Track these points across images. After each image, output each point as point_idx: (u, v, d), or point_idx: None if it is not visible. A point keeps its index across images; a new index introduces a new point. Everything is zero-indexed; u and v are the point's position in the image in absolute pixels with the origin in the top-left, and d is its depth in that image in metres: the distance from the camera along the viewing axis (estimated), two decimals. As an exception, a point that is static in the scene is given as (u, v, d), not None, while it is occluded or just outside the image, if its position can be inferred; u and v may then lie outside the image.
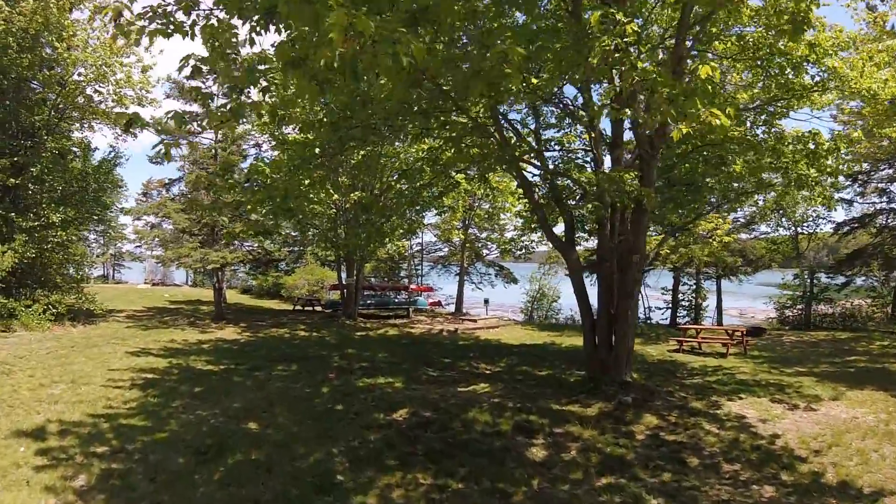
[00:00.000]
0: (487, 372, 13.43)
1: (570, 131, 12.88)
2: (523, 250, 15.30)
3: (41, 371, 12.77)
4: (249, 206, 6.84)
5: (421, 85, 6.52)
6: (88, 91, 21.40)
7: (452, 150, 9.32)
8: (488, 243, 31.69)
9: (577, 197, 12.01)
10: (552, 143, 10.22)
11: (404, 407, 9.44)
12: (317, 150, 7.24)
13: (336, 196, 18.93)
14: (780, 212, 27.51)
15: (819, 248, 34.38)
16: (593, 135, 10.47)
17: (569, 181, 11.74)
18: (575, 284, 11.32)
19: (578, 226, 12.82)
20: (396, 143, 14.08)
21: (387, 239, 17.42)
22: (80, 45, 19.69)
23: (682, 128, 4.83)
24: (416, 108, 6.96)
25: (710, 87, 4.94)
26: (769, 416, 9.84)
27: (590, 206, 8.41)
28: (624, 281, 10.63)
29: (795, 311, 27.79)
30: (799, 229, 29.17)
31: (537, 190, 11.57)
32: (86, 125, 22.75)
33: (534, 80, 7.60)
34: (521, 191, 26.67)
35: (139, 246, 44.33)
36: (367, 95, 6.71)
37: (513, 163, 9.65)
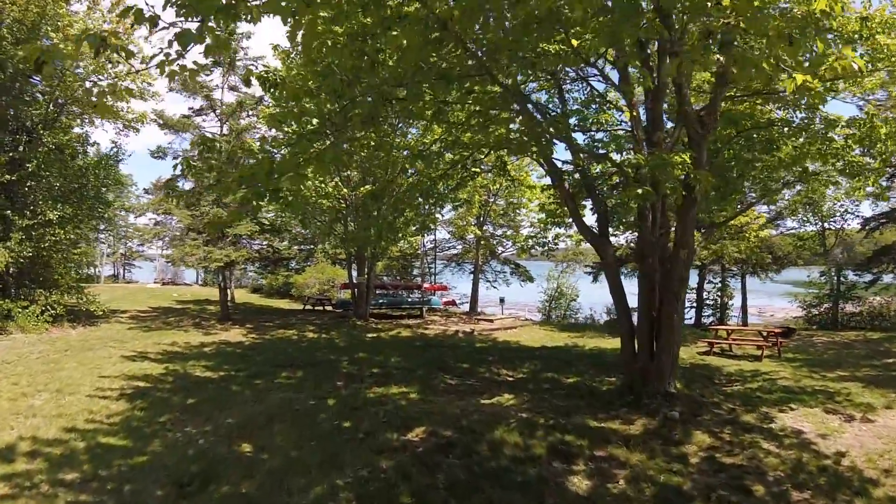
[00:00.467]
0: (510, 379, 12.17)
1: (600, 113, 11.52)
2: (545, 247, 14.08)
3: (27, 378, 11.72)
4: (225, 188, 5.54)
5: (442, 44, 5.27)
6: (87, 84, 20.40)
7: (477, 125, 8.04)
8: (504, 240, 30.38)
9: (613, 185, 10.70)
10: (589, 123, 8.88)
11: (421, 424, 8.18)
12: (314, 121, 6.04)
13: (345, 190, 17.78)
14: (810, 206, 26.08)
15: (846, 245, 32.73)
16: (634, 113, 9.14)
17: (604, 166, 10.43)
18: (611, 283, 10.02)
19: (614, 218, 11.47)
20: (411, 130, 12.93)
21: (399, 234, 16.20)
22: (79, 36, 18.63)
23: (799, 77, 3.51)
24: (434, 73, 5.72)
25: (832, 22, 3.62)
26: (827, 430, 8.74)
27: (639, 191, 7.05)
28: (669, 279, 9.32)
29: (821, 309, 26.26)
30: (825, 224, 27.62)
31: (567, 178, 10.26)
32: (86, 120, 21.73)
33: (574, 42, 6.30)
34: (540, 184, 25.51)
35: (141, 245, 43.44)
36: (376, 56, 5.51)
37: (546, 144, 8.36)
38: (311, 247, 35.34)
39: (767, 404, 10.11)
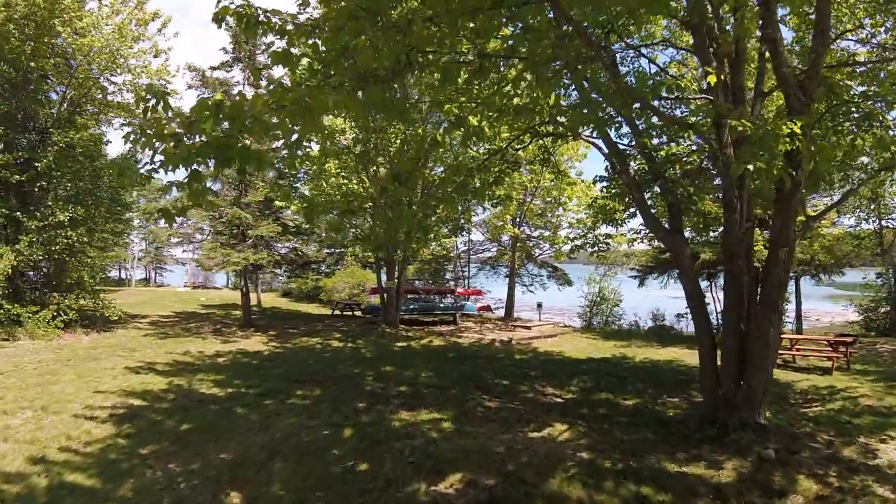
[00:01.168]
0: (559, 401, 10.33)
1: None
2: (595, 247, 12.34)
3: (14, 392, 10.46)
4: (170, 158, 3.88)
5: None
6: (102, 82, 19.31)
7: (528, 88, 6.28)
8: (541, 242, 28.39)
9: (686, 170, 8.79)
10: (664, 90, 7.05)
11: (457, 469, 6.42)
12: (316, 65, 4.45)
13: (369, 185, 16.21)
14: (873, 200, 23.63)
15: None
16: (721, 77, 7.24)
17: (670, 150, 8.52)
18: (688, 289, 8.12)
19: (691, 212, 9.48)
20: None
21: (430, 235, 14.57)
22: (88, 30, 17.50)
23: None
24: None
25: None
26: (939, 464, 6.83)
27: (752, 166, 5.16)
28: (764, 285, 7.39)
29: (879, 314, 23.66)
30: (883, 222, 24.98)
31: (632, 163, 8.41)
32: (102, 119, 20.66)
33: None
34: (584, 181, 23.54)
35: (165, 248, 42.52)
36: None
37: (627, 107, 6.54)
38: (342, 250, 33.94)
39: (863, 433, 8.33)
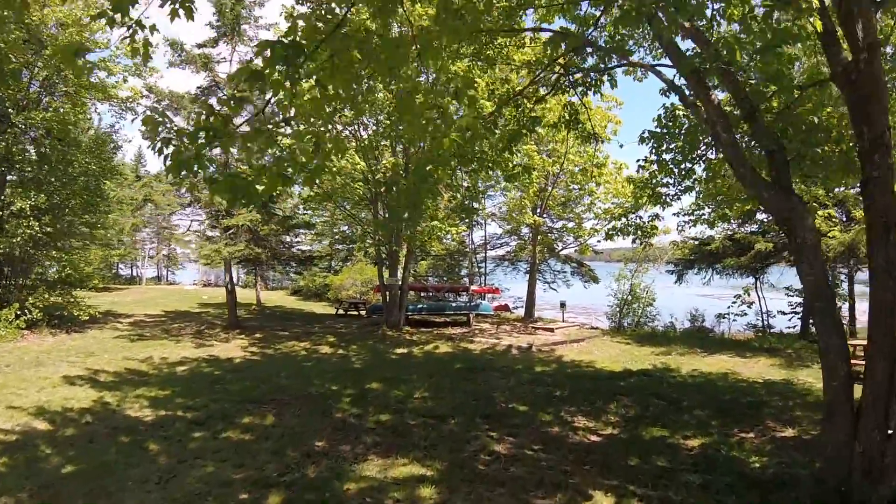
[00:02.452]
0: (595, 439, 7.38)
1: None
2: (638, 233, 9.47)
3: None
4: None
5: None
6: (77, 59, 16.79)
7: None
8: (564, 234, 25.18)
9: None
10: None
11: None
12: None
13: (363, 165, 13.43)
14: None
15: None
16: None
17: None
18: (813, 282, 5.04)
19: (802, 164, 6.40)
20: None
21: (426, 208, 11.82)
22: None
23: None
24: None
25: None
26: None
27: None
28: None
29: None
30: None
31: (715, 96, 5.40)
32: (80, 102, 18.19)
33: None
34: (613, 164, 20.33)
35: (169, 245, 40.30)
36: None
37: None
38: (351, 245, 31.26)
39: None
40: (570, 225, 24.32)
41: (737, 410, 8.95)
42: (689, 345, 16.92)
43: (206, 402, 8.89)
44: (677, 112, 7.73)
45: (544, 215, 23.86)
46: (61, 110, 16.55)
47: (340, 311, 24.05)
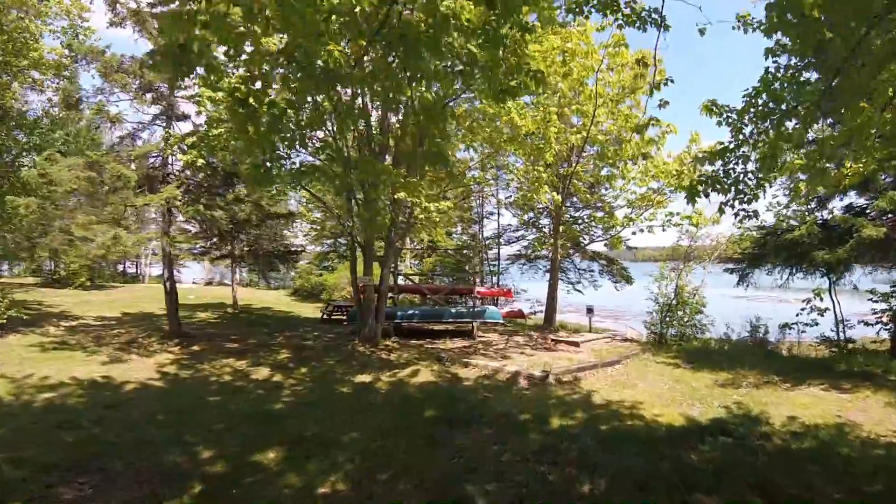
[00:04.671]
0: None
1: None
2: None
3: None
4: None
5: None
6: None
7: None
8: (592, 225, 20.12)
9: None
10: None
11: None
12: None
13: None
14: None
15: None
16: None
17: None
18: None
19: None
20: None
21: (382, 177, 7.54)
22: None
23: None
24: None
25: None
26: None
27: None
28: None
29: None
30: None
31: None
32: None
33: None
34: (661, 124, 15.04)
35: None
36: None
37: None
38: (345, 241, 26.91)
39: None
40: (599, 214, 19.39)
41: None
42: (758, 368, 12.05)
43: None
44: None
45: (567, 202, 18.99)
46: None
47: (325, 316, 19.71)
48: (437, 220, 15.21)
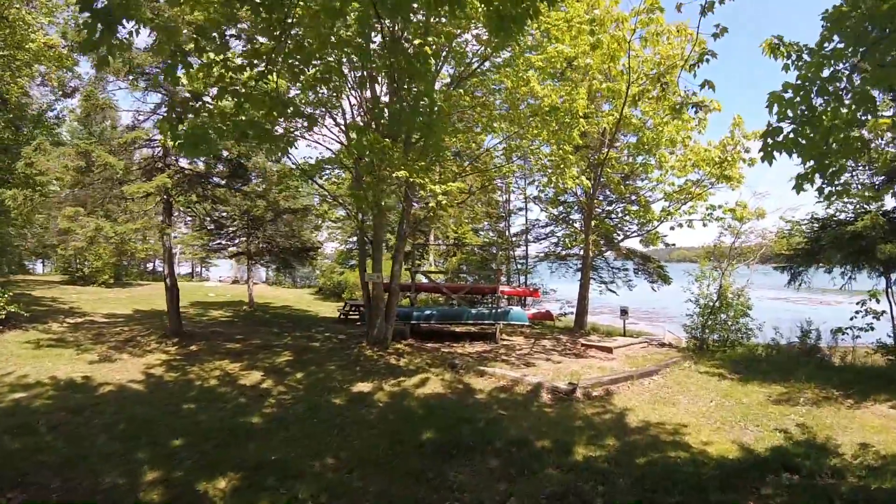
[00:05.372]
0: None
1: None
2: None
3: None
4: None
5: None
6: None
7: None
8: (626, 220, 18.39)
9: None
10: None
11: None
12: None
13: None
14: None
15: None
16: None
17: None
18: None
19: None
20: None
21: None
22: None
23: None
24: None
25: None
26: None
27: None
28: None
29: None
30: None
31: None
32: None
33: None
34: (704, 100, 12.94)
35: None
36: None
37: None
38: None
39: None
40: (634, 207, 17.69)
41: None
42: (814, 380, 10.32)
43: None
44: None
45: (599, 195, 17.35)
46: None
47: (342, 315, 18.66)
48: (447, 204, 13.82)
